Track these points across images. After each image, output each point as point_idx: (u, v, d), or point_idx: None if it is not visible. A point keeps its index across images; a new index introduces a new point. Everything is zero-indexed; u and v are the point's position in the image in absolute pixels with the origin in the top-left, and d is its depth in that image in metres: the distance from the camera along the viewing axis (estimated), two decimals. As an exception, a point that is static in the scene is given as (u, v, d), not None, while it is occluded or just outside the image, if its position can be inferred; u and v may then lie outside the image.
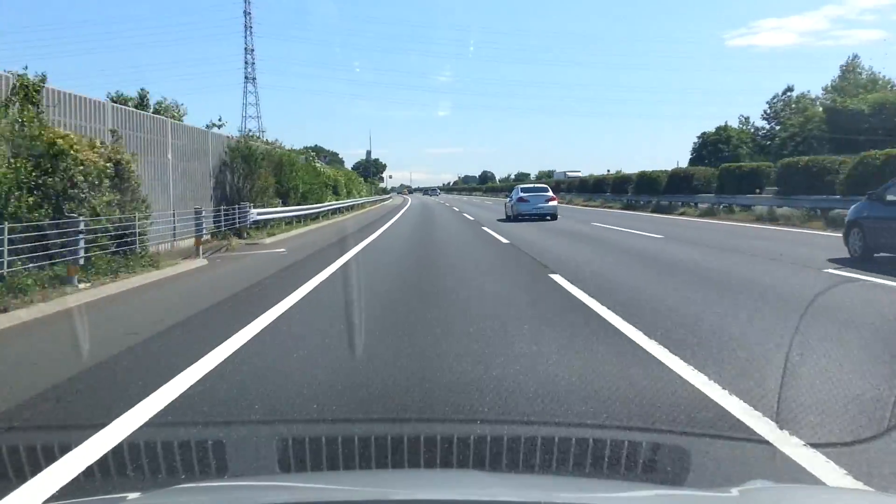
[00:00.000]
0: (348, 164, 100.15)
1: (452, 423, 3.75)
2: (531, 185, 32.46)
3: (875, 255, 10.80)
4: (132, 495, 1.95)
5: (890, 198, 10.58)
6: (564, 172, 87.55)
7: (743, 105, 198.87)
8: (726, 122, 58.41)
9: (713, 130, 57.76)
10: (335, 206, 33.98)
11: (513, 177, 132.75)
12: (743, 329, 6.05)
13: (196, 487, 2.53)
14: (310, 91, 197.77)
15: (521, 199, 26.97)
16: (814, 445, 3.32)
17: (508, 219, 26.99)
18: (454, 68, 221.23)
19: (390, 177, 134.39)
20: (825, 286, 8.67)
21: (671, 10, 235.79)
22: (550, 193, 27.85)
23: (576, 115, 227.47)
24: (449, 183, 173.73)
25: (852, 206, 12.00)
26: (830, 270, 9.97)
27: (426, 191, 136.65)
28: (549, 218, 25.72)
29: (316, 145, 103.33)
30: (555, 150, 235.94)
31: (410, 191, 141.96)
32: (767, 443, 3.37)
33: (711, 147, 55.37)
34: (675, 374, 4.60)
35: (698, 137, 59.27)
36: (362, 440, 3.41)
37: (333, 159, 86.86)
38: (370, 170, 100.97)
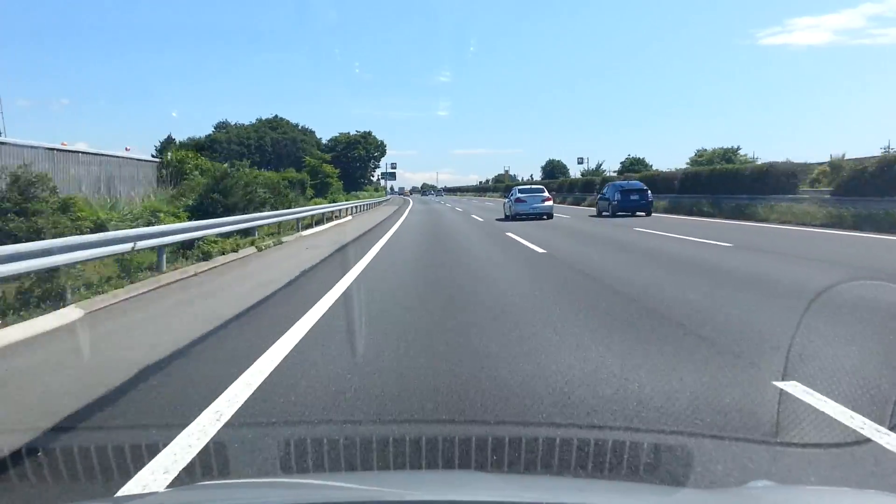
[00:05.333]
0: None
1: (454, 424, 3.90)
2: (528, 187, 33.74)
3: (602, 214, 32.24)
4: (162, 491, 2.19)
5: (603, 192, 32.98)
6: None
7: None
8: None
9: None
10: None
11: (611, 170, 73.51)
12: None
13: (217, 484, 2.61)
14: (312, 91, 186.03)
15: (518, 200, 28.86)
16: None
17: (507, 218, 29.35)
18: (466, 69, 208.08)
19: (393, 165, 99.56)
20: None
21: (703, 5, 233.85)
22: (546, 194, 29.73)
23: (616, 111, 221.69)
24: (487, 180, 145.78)
25: (598, 196, 34.29)
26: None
27: (425, 191, 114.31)
28: (545, 217, 27.78)
29: (275, 115, 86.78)
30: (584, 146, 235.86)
31: (416, 190, 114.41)
32: (767, 442, 3.59)
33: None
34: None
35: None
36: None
37: (301, 137, 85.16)
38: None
